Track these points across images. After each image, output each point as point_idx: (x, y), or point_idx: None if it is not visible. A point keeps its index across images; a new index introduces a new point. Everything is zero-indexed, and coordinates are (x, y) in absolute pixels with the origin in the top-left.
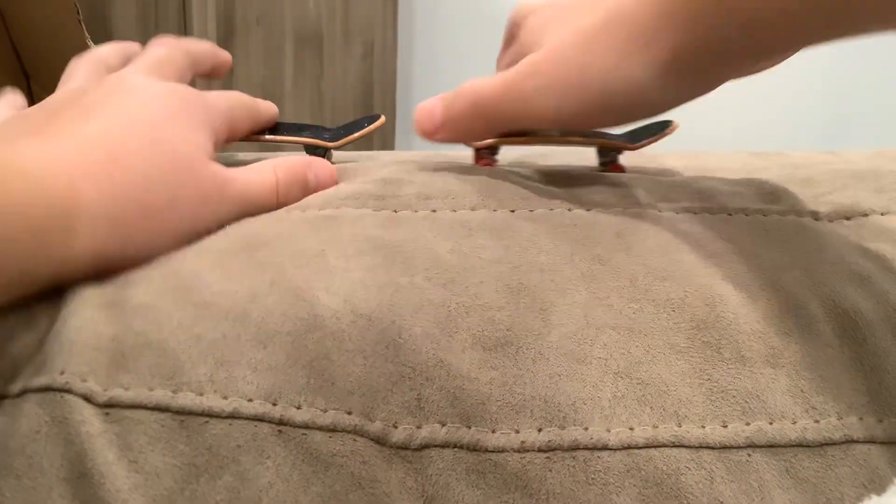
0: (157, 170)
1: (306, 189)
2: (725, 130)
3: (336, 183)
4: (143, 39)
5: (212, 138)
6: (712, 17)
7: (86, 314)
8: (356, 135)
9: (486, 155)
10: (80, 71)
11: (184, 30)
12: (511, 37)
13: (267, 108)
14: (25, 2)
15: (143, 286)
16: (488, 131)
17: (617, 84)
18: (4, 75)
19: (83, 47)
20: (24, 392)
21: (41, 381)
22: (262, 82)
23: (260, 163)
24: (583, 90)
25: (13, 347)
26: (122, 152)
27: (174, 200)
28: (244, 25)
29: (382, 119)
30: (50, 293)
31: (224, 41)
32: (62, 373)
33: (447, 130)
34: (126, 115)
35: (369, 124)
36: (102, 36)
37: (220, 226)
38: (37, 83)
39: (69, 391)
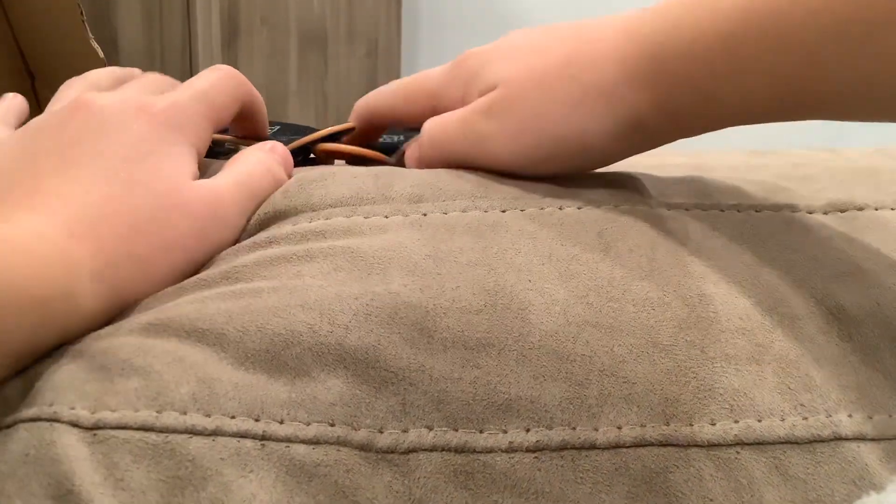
0: (141, 216)
1: (285, 166)
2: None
3: (291, 163)
4: (147, 40)
5: (193, 150)
6: (677, 85)
7: (76, 356)
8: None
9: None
10: (71, 94)
11: (188, 29)
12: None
13: (249, 83)
14: (30, 3)
15: (130, 327)
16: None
17: (571, 134)
18: (10, 76)
19: (86, 47)
20: (14, 423)
21: (30, 412)
22: (267, 82)
23: (246, 155)
24: (536, 136)
25: (6, 389)
26: (105, 207)
27: (166, 243)
28: (248, 25)
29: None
30: None
31: (228, 41)
32: (51, 405)
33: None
34: (101, 160)
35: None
36: (107, 36)
37: (232, 240)
38: (41, 83)
39: (57, 420)
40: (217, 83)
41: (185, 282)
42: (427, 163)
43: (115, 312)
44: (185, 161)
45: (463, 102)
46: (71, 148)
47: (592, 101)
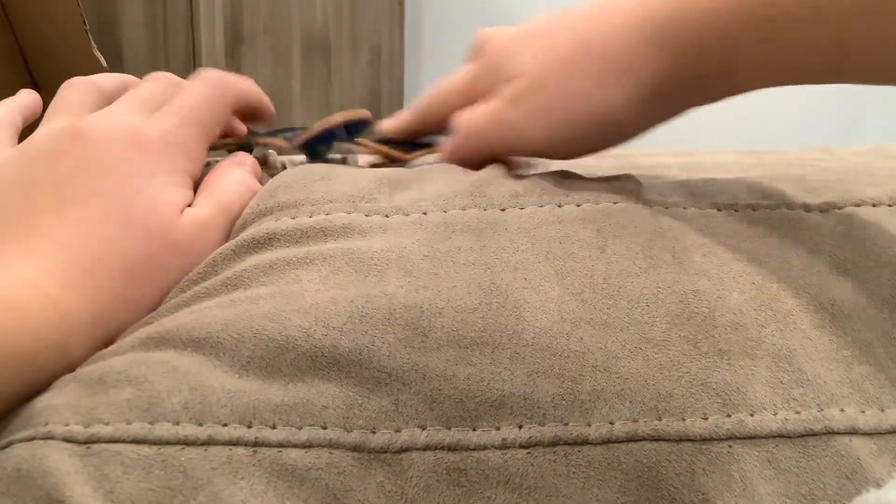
0: (137, 260)
1: (256, 175)
2: (735, 126)
3: (259, 173)
4: (152, 49)
5: (186, 175)
6: (695, 49)
7: (75, 376)
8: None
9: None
10: (72, 97)
11: (191, 38)
12: (474, 61)
13: (239, 82)
14: (34, 14)
15: (131, 343)
16: (486, 160)
17: (597, 109)
18: (16, 86)
19: (90, 57)
20: (10, 444)
21: (26, 433)
22: (271, 90)
23: (224, 174)
24: (565, 116)
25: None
26: (103, 252)
27: (160, 284)
28: (252, 33)
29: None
30: None
31: (232, 49)
32: (46, 424)
33: (458, 163)
34: (96, 198)
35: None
36: (112, 44)
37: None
38: (46, 91)
39: (51, 437)
40: (203, 99)
41: (186, 294)
42: (462, 155)
43: (105, 347)
44: (177, 192)
45: (492, 93)
46: (66, 184)
47: (615, 74)
